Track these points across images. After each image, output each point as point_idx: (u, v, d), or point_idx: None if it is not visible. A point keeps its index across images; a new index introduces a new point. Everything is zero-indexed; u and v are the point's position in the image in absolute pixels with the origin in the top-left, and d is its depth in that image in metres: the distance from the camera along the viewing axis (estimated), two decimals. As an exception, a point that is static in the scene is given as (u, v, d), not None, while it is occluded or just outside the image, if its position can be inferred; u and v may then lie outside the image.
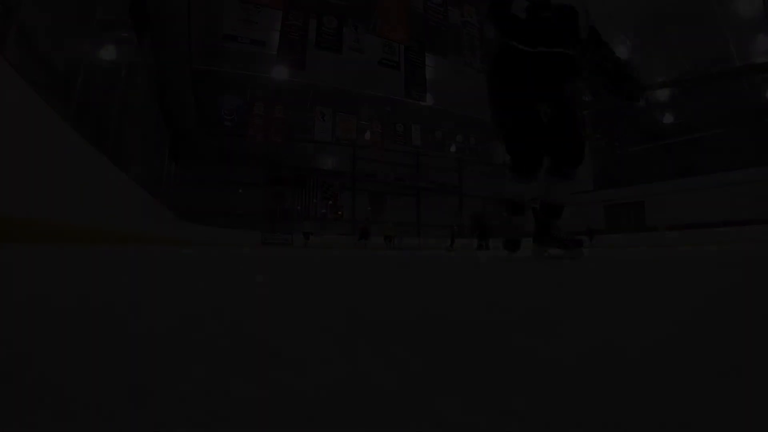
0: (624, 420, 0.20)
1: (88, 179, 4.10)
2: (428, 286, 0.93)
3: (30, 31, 3.40)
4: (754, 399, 0.23)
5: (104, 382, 0.24)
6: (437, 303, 0.63)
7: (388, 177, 22.19)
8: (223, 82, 14.45)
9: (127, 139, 6.41)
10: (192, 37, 9.67)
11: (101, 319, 0.44)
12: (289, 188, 18.06)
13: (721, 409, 0.21)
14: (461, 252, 7.04)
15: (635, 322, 0.47)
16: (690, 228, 14.38)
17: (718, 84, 15.02)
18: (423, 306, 0.58)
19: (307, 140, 16.85)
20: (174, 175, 12.90)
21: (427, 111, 17.75)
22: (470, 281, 1.09)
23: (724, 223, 16.38)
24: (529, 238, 2.73)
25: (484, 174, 26.27)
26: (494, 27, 2.52)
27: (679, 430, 0.19)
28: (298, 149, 20.13)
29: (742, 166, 17.82)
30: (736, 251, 2.96)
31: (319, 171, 21.33)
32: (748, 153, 18.16)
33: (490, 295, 0.75)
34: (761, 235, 12.56)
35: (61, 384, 0.24)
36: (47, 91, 3.48)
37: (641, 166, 22.40)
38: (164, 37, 8.75)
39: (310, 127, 14.37)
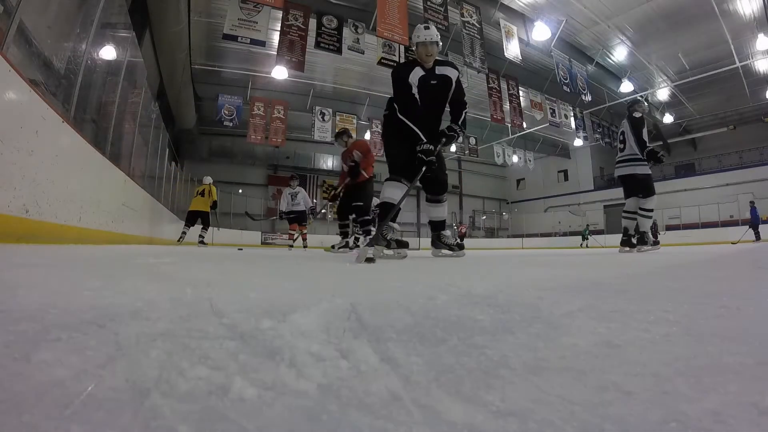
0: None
1: (90, 181, 4.10)
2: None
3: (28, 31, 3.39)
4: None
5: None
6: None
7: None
8: (223, 82, 14.43)
9: (127, 140, 6.41)
10: (192, 37, 9.67)
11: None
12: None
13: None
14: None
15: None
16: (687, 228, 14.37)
17: (717, 84, 15.02)
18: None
19: (307, 140, 16.83)
20: (174, 175, 12.86)
21: (427, 111, 17.68)
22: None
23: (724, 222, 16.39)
24: None
25: (485, 174, 26.25)
26: None
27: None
28: (298, 149, 20.11)
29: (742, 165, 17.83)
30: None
31: (319, 171, 21.33)
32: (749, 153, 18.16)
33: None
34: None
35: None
36: (48, 92, 3.47)
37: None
38: (164, 37, 8.76)
39: (309, 127, 14.32)
